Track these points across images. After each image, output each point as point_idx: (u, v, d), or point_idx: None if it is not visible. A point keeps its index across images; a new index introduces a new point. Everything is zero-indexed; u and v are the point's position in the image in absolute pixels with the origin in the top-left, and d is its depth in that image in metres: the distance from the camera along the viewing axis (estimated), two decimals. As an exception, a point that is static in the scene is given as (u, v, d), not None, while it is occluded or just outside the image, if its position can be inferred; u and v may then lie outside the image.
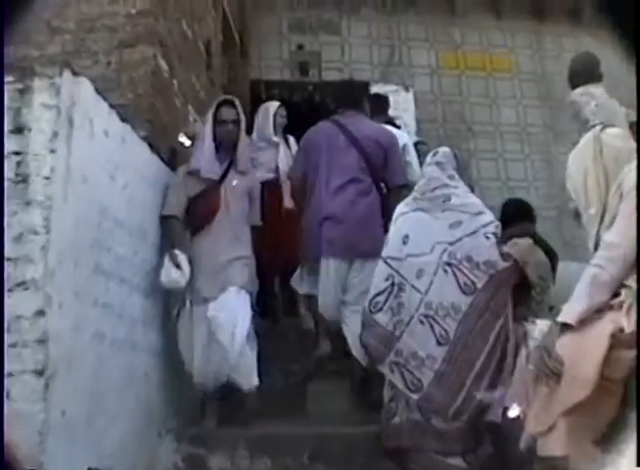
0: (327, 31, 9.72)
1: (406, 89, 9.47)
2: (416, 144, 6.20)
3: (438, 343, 3.52)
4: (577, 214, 4.01)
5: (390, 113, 8.94)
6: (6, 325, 2.49)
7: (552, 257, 4.12)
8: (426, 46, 9.99)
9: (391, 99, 9.25)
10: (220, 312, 4.03)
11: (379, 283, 3.76)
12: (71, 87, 2.81)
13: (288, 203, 5.37)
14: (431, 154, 4.19)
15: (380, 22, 9.90)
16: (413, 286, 3.64)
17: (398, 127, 5.97)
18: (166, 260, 3.94)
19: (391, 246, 3.82)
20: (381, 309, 3.71)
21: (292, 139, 5.98)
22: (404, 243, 3.76)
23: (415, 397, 3.52)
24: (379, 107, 5.61)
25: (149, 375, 3.79)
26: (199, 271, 4.12)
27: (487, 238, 3.65)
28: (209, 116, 4.40)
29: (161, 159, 4.14)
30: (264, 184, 5.06)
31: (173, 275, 3.92)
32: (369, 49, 9.83)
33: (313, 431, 4.06)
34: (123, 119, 3.37)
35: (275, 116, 5.93)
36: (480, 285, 3.53)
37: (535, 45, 10.22)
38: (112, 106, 3.19)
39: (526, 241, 4.00)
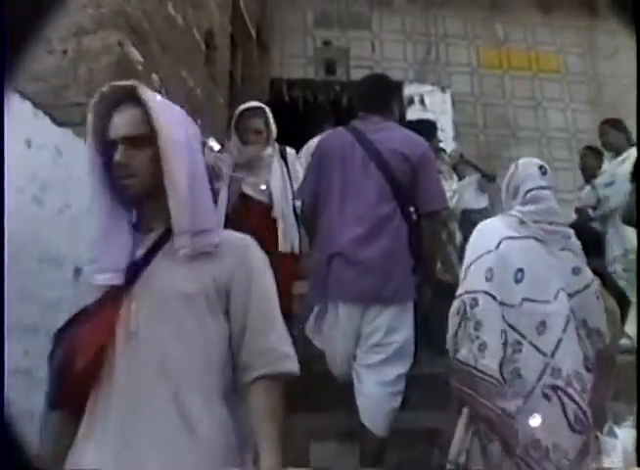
0: (356, 26, 9.22)
1: (443, 90, 9.07)
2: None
3: (572, 428, 2.51)
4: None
5: (427, 116, 8.45)
6: None
7: (623, 304, 3.21)
8: (465, 43, 9.51)
9: (427, 100, 8.88)
10: None
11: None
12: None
13: (283, 245, 4.02)
14: (536, 169, 2.92)
15: (414, 16, 9.39)
16: (532, 344, 2.57)
17: None
18: None
19: (499, 283, 2.61)
20: None
21: (291, 152, 4.35)
22: (517, 281, 2.64)
23: None
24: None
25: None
26: None
27: (597, 298, 2.70)
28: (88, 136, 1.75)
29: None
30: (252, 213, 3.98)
31: None
32: (402, 46, 9.34)
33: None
34: (60, 124, 2.54)
35: (237, 124, 4.09)
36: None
37: (586, 43, 9.66)
38: (36, 105, 2.36)
39: (594, 282, 3.08)
